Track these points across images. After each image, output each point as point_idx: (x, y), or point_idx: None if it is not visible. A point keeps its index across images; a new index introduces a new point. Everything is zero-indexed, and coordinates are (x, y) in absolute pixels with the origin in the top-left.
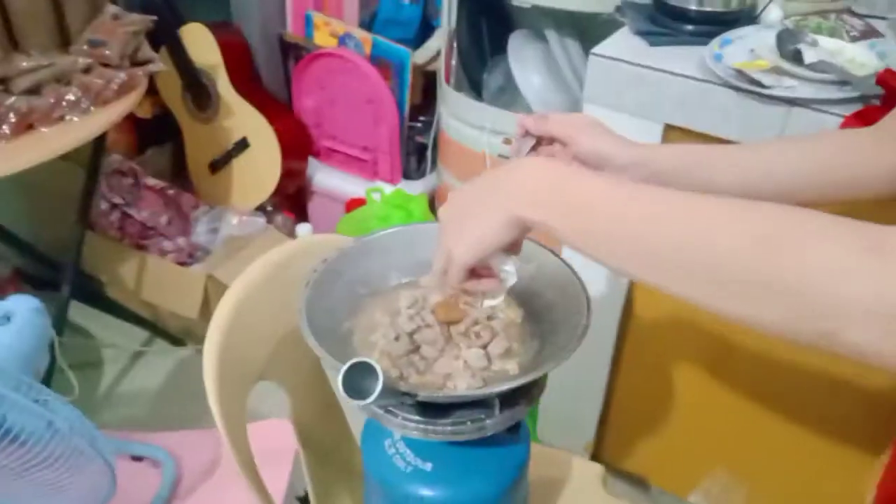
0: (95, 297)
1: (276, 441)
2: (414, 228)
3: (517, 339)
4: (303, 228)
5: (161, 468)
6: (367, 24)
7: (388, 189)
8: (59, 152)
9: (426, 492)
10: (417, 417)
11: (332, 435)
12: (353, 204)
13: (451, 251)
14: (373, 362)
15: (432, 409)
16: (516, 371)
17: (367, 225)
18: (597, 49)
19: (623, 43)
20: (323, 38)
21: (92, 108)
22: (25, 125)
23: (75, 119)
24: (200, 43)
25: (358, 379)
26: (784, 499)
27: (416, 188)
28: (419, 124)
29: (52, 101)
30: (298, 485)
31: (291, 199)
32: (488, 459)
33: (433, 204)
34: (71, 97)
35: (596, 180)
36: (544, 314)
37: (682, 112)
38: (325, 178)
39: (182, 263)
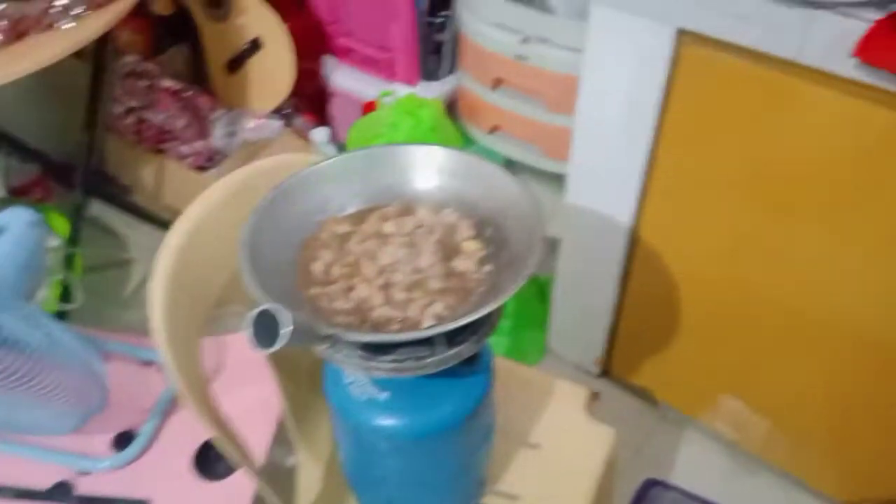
0: (121, 199)
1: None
2: (371, 152)
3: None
4: (318, 133)
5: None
6: None
7: (403, 91)
8: (55, 59)
9: (381, 421)
10: (358, 353)
11: (303, 354)
12: (369, 108)
13: None
14: (276, 309)
15: (372, 346)
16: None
17: (376, 132)
18: None
19: None
20: None
21: (88, 11)
22: (17, 33)
23: (71, 25)
24: None
25: (272, 323)
26: (806, 438)
27: (433, 91)
28: (440, 21)
29: (43, 6)
30: None
31: (311, 101)
32: (445, 390)
33: (454, 107)
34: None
35: None
36: (502, 246)
37: (696, 14)
38: (344, 79)
39: (200, 167)
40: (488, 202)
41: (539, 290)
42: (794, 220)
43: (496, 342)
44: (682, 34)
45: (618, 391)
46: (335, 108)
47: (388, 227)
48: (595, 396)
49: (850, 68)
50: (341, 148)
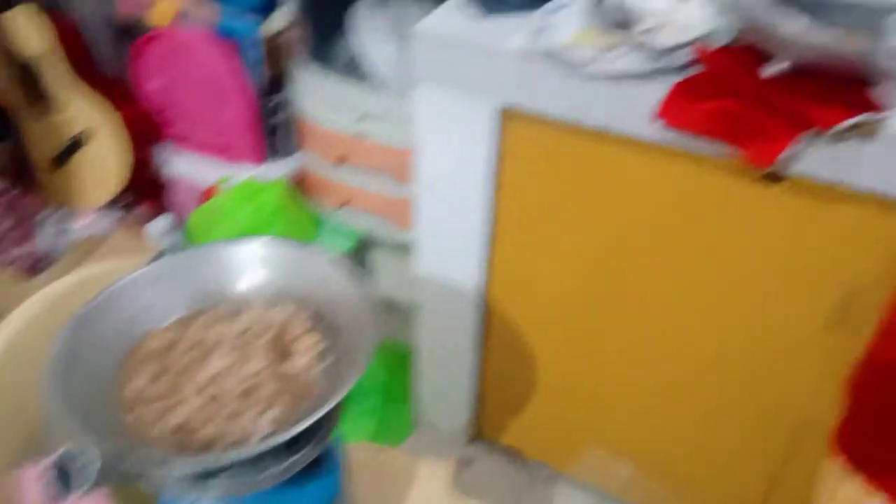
0: None
1: None
2: (192, 253)
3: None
4: (156, 225)
5: None
6: None
7: (244, 175)
8: None
9: None
10: (187, 478)
11: None
12: (209, 194)
13: None
14: (74, 453)
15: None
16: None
17: (216, 221)
18: (423, 24)
19: (455, 13)
20: (160, 15)
21: None
22: None
23: None
24: (30, 28)
25: (76, 464)
26: (671, 481)
27: (278, 170)
28: (277, 101)
29: None
30: None
31: (150, 190)
32: (290, 499)
33: (297, 189)
34: None
35: None
36: (338, 336)
37: (514, 91)
38: (182, 166)
39: (28, 272)
40: (321, 292)
41: (402, 362)
42: (631, 274)
43: (361, 424)
44: (504, 109)
45: (490, 454)
46: (175, 197)
47: (216, 332)
48: (465, 464)
49: (655, 132)
50: (184, 238)
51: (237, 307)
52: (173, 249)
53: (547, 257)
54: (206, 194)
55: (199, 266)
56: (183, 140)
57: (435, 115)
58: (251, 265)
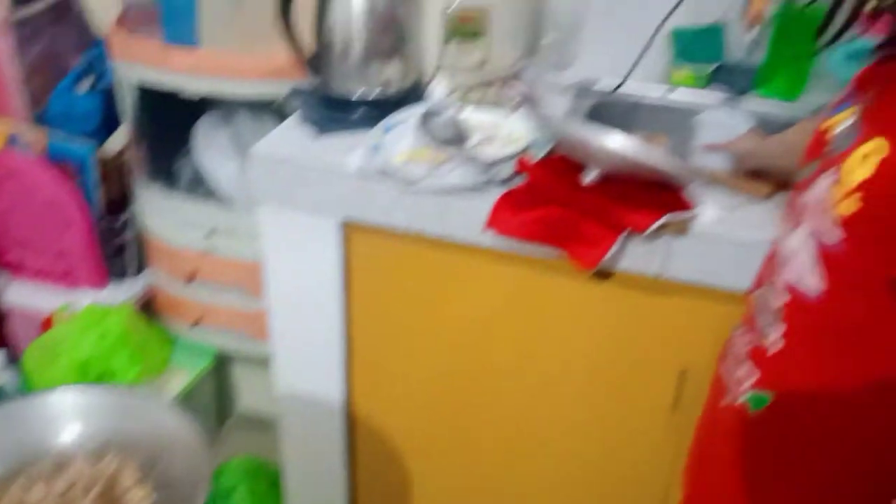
0: None
1: None
2: (4, 407)
3: None
4: None
5: None
6: (40, 120)
7: (86, 301)
8: None
9: None
10: None
11: None
12: (49, 324)
13: None
14: None
15: None
16: None
17: (56, 354)
18: (259, 145)
19: (291, 134)
20: None
21: None
22: None
23: None
24: None
25: None
26: None
27: (123, 293)
28: (122, 221)
29: None
30: None
31: None
32: None
33: (150, 306)
34: None
35: None
36: (170, 485)
37: (354, 207)
38: (18, 295)
39: None
40: (152, 439)
41: (273, 482)
42: (487, 373)
43: None
44: (347, 223)
45: None
46: (13, 329)
47: (37, 493)
48: None
49: (488, 239)
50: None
51: (60, 462)
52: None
53: (405, 362)
54: (46, 324)
55: (16, 421)
56: (19, 268)
57: (280, 232)
58: (73, 415)
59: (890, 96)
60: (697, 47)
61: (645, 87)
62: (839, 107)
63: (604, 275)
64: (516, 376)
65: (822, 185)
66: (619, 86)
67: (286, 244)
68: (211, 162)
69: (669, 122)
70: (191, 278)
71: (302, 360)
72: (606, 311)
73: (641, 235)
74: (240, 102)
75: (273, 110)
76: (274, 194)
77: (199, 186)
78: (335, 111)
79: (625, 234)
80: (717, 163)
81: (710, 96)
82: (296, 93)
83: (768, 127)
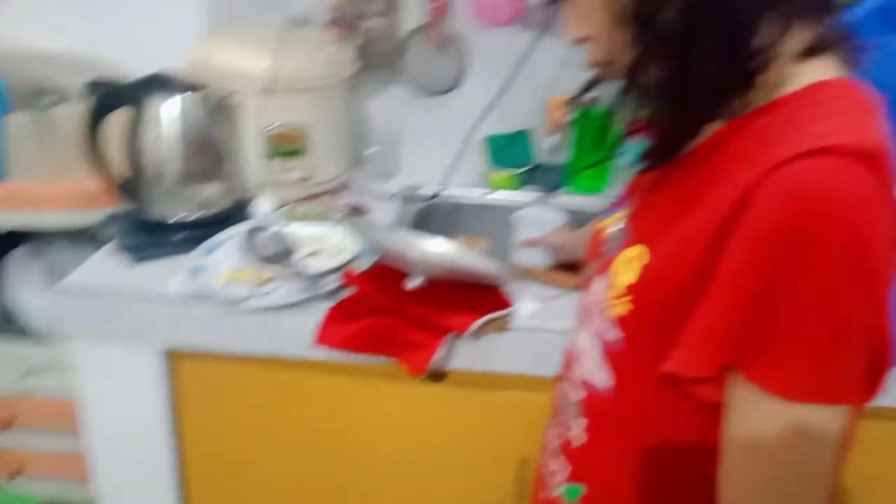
0: None
1: None
2: None
3: None
4: None
5: None
6: None
7: None
8: None
9: None
10: None
11: None
12: None
13: None
14: None
15: None
16: None
17: None
18: (72, 277)
19: (106, 262)
20: None
21: None
22: None
23: None
24: None
25: None
26: None
27: None
28: None
29: None
30: None
31: None
32: None
33: None
34: None
35: None
36: None
37: (177, 334)
38: None
39: None
40: None
41: None
42: (339, 481)
43: None
44: (170, 351)
45: None
46: None
47: None
48: None
49: (319, 353)
50: None
51: None
52: None
53: (246, 485)
54: None
55: None
56: None
57: (97, 367)
58: None
59: (647, 205)
60: (510, 151)
61: (466, 191)
62: (612, 209)
63: (438, 375)
64: (363, 480)
65: (599, 286)
66: (440, 191)
67: (105, 379)
68: (22, 296)
69: (490, 222)
70: (7, 425)
71: (130, 501)
72: (444, 409)
73: (464, 336)
74: (53, 233)
75: (89, 239)
76: (88, 328)
77: (12, 324)
78: (152, 236)
79: (448, 336)
80: (534, 257)
81: (524, 195)
82: (111, 220)
83: (579, 220)
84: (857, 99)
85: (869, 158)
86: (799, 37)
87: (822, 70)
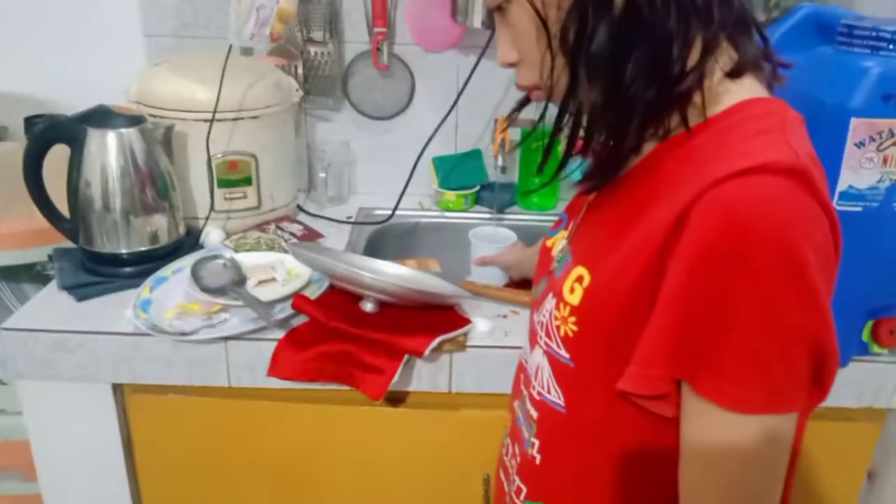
0: None
1: None
2: None
3: None
4: None
5: None
6: None
7: None
8: None
9: None
10: None
11: None
12: None
13: None
14: None
15: None
16: None
17: None
18: (14, 318)
19: (51, 301)
20: None
21: None
22: None
23: None
24: None
25: None
26: None
27: None
28: None
29: None
30: None
31: None
32: None
33: None
34: None
35: None
36: None
37: (127, 369)
38: None
39: None
40: None
41: None
42: None
43: None
44: (120, 387)
45: None
46: None
47: None
48: None
49: (273, 383)
50: None
51: None
52: None
53: None
54: None
55: None
56: None
57: (48, 407)
58: None
59: (588, 224)
60: (460, 171)
61: (418, 212)
62: (558, 227)
63: (397, 398)
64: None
65: (548, 306)
66: (393, 212)
67: (56, 418)
68: None
69: (443, 242)
70: None
71: None
72: (405, 432)
73: (422, 357)
74: None
75: (34, 277)
76: (35, 368)
77: None
78: (99, 272)
79: (405, 359)
80: (488, 276)
81: (476, 214)
82: (55, 257)
83: (531, 237)
84: (782, 116)
85: (797, 174)
86: (727, 56)
87: (748, 88)
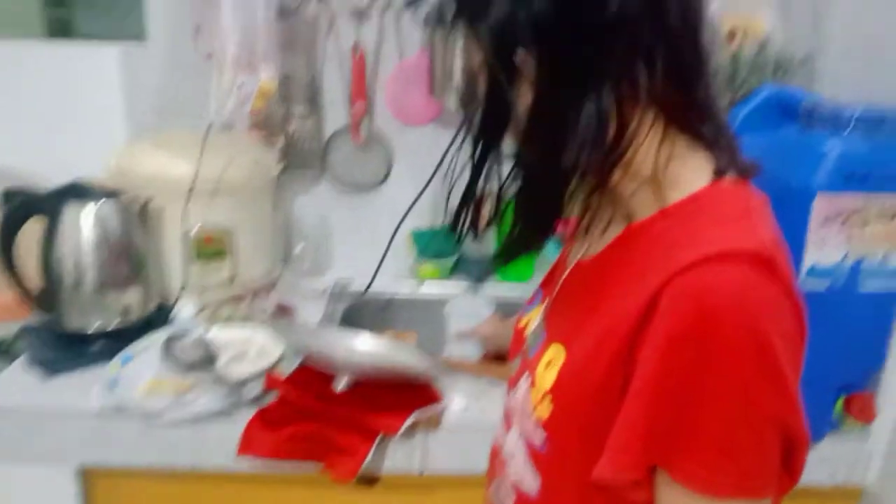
0: None
1: None
2: None
3: None
4: None
5: None
6: None
7: None
8: None
9: None
10: None
11: None
12: None
13: None
14: None
15: None
16: None
17: None
18: None
19: (16, 378)
20: None
21: None
22: None
23: None
24: None
25: None
26: None
27: None
28: None
29: None
30: None
31: None
32: None
33: None
34: None
35: None
36: None
37: (93, 450)
38: None
39: None
40: None
41: None
42: None
43: None
44: (86, 470)
45: None
46: None
47: None
48: None
49: (244, 463)
50: None
51: None
52: None
53: None
54: None
55: None
56: None
57: (11, 489)
58: None
59: (562, 301)
60: (437, 244)
61: (396, 285)
62: (532, 303)
63: (370, 480)
64: None
65: (523, 387)
66: (369, 286)
67: (17, 500)
68: None
69: (420, 316)
70: None
71: None
72: None
73: (394, 437)
74: None
75: (1, 354)
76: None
77: None
78: (68, 348)
79: (378, 439)
80: (465, 350)
81: (453, 287)
82: (24, 332)
83: (508, 310)
84: (748, 201)
85: (763, 260)
86: (686, 141)
87: (714, 171)
